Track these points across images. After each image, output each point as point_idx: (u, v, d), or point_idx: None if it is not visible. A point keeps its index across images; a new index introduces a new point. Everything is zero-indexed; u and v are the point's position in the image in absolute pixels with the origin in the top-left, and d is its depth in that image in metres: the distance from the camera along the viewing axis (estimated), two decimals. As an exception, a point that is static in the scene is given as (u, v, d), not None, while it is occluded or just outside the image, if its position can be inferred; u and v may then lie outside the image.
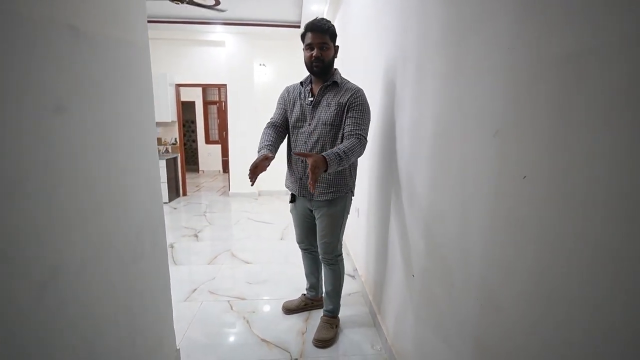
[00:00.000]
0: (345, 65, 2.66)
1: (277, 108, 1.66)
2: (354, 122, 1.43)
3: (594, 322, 0.50)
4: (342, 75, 1.57)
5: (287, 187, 1.70)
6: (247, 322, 1.83)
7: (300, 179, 1.58)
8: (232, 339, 1.71)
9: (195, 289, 2.18)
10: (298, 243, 1.85)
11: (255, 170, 1.35)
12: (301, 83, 1.62)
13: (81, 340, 0.82)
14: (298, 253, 1.93)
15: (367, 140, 1.44)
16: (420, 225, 1.19)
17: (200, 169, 7.83)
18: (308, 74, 1.58)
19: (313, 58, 1.47)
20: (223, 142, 7.47)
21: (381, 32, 1.72)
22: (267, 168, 1.38)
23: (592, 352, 0.50)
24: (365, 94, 1.50)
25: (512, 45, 0.68)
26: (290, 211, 1.78)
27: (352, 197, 1.65)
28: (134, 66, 1.09)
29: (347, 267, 2.51)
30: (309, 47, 1.48)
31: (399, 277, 1.43)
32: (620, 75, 0.46)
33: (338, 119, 1.47)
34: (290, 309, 1.91)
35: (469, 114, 0.85)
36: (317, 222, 1.65)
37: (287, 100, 1.62)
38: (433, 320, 1.09)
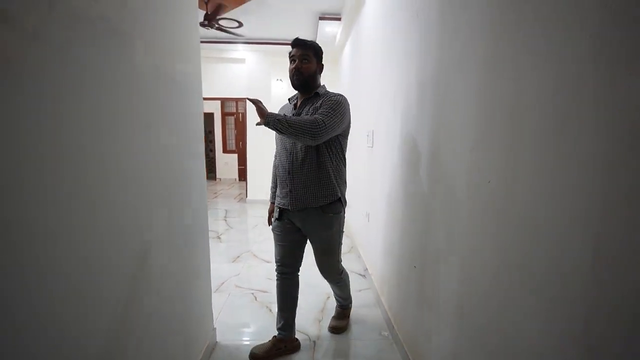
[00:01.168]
0: (357, 85, 2.94)
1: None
2: (318, 111, 1.42)
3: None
4: (329, 89, 1.59)
5: (277, 204, 1.61)
6: (270, 310, 2.08)
7: (290, 191, 1.53)
8: (257, 323, 1.97)
9: (223, 283, 2.46)
10: (279, 266, 1.65)
11: (270, 217, 1.74)
12: (289, 99, 1.67)
13: (158, 307, 1.10)
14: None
15: (323, 125, 1.34)
16: (418, 227, 1.43)
17: (217, 176, 8.21)
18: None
19: (294, 70, 1.50)
20: (239, 151, 7.84)
21: (392, 55, 1.99)
22: None
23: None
24: (348, 101, 1.51)
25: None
26: (273, 229, 1.65)
27: (344, 215, 1.63)
28: (191, 90, 1.39)
29: (358, 267, 2.75)
30: (291, 60, 1.52)
31: (402, 269, 1.67)
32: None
33: None
34: (259, 357, 1.58)
35: (455, 133, 1.11)
36: (313, 247, 1.62)
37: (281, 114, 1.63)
38: (427, 302, 1.32)
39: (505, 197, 0.83)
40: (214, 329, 1.73)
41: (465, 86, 1.03)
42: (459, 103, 1.07)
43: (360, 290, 2.36)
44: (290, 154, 1.52)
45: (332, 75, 5.31)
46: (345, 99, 1.51)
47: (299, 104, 1.58)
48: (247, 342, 1.76)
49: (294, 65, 1.51)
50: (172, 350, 1.22)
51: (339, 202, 1.58)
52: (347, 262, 2.83)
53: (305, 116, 1.42)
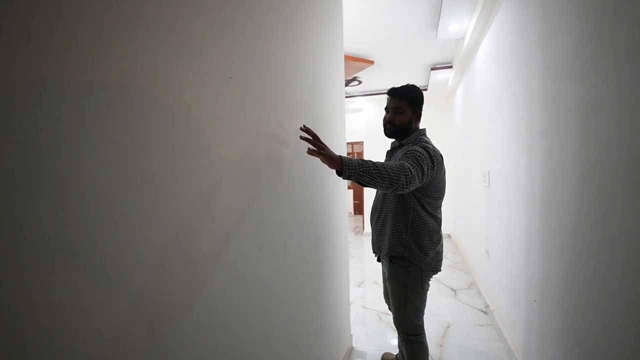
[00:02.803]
0: (470, 125, 3.15)
1: None
2: (402, 158, 1.33)
3: None
4: (427, 137, 1.51)
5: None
6: (393, 329, 2.41)
7: (372, 233, 1.64)
8: (382, 338, 2.32)
9: (352, 302, 2.92)
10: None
11: None
12: (391, 143, 1.64)
13: (317, 310, 1.62)
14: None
15: (409, 171, 1.19)
16: (537, 264, 1.60)
17: (334, 210, 9.05)
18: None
19: (386, 121, 1.51)
20: (355, 187, 8.54)
21: (502, 106, 2.23)
22: None
23: None
24: (438, 154, 1.40)
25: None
26: None
27: (422, 275, 1.46)
28: (338, 133, 1.98)
29: (479, 304, 2.81)
30: (385, 110, 1.53)
31: (521, 303, 1.79)
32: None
33: None
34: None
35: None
36: None
37: None
38: (546, 333, 1.45)
39: (602, 238, 1.04)
40: (351, 335, 2.17)
41: (567, 146, 1.27)
42: (564, 160, 1.30)
43: (482, 326, 2.44)
44: (377, 197, 1.60)
45: (445, 115, 5.52)
46: (430, 148, 1.36)
47: (390, 149, 1.62)
48: (376, 351, 2.13)
49: (386, 117, 1.51)
50: (326, 344, 1.70)
51: (407, 260, 1.46)
52: (467, 298, 2.93)
53: (390, 163, 1.24)
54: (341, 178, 1.13)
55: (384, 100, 5.68)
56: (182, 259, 0.62)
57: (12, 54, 0.37)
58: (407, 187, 1.18)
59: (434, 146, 1.44)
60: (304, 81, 1.32)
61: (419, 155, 1.29)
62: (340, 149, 1.96)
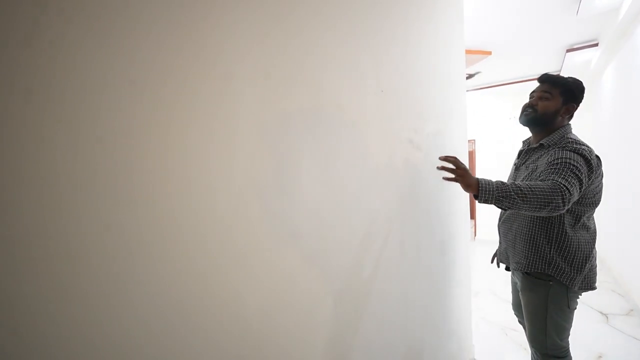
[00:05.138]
0: (628, 118, 2.56)
1: None
2: (545, 169, 1.11)
3: None
4: (573, 134, 1.25)
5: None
6: (519, 345, 2.16)
7: (500, 242, 1.44)
8: (507, 355, 2.10)
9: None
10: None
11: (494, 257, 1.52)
12: (523, 141, 1.43)
13: (444, 315, 1.58)
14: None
15: (566, 190, 0.99)
16: None
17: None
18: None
19: (526, 105, 1.29)
20: (463, 189, 7.86)
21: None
22: None
23: None
24: (594, 155, 1.15)
25: None
26: None
27: (569, 291, 1.23)
28: (460, 133, 1.89)
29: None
30: (530, 95, 1.31)
31: None
32: None
33: None
34: None
35: None
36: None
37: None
38: None
39: None
40: (472, 346, 2.05)
41: None
42: None
43: (649, 361, 1.97)
44: (503, 219, 1.38)
45: (585, 104, 4.59)
46: (590, 152, 1.14)
47: (524, 150, 1.36)
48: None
49: (529, 101, 1.30)
50: (450, 348, 1.65)
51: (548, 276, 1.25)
52: (630, 328, 2.40)
53: (542, 183, 1.03)
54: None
55: (502, 92, 5.09)
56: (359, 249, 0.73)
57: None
58: (564, 208, 1.00)
59: (588, 146, 1.18)
60: (431, 83, 1.33)
61: (573, 164, 1.06)
62: (461, 151, 1.88)
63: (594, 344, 2.19)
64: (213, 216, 0.45)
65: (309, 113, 0.59)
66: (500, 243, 1.45)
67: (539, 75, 1.29)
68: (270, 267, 0.52)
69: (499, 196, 0.99)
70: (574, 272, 1.21)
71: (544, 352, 1.32)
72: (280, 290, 0.55)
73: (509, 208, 1.02)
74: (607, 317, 2.57)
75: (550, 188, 0.98)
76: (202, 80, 0.44)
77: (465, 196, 1.97)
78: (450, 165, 1.05)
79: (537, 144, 1.28)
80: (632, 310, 2.67)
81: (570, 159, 1.08)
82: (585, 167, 1.10)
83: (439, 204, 1.40)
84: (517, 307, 1.55)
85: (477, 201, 1.02)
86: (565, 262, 1.21)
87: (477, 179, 1.02)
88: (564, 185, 1.00)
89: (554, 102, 1.23)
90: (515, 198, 0.98)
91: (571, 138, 1.21)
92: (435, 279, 1.33)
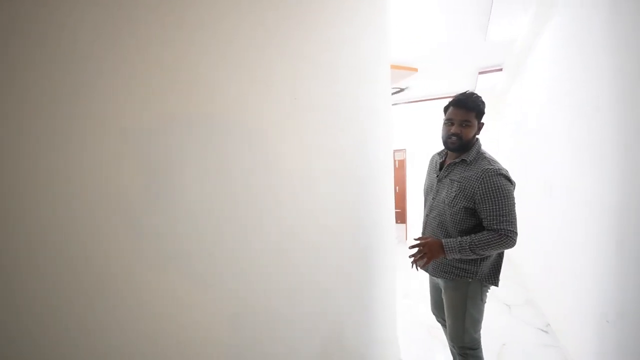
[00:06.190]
0: (525, 129, 2.96)
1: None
2: (489, 215, 1.29)
3: None
4: (483, 149, 1.43)
5: None
6: (440, 342, 2.32)
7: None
8: (431, 352, 2.24)
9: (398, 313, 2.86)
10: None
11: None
12: (438, 153, 1.59)
13: (371, 318, 1.62)
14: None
15: (514, 233, 1.26)
16: (609, 280, 1.46)
17: (375, 218, 8.94)
18: None
19: (451, 133, 1.39)
20: (396, 196, 8.39)
21: (566, 112, 2.08)
22: None
23: None
24: (505, 170, 1.33)
25: None
26: None
27: (485, 287, 1.42)
28: (385, 144, 1.98)
29: (538, 323, 2.60)
30: (449, 122, 1.41)
31: (592, 324, 1.64)
32: None
33: (458, 201, 1.36)
34: None
35: None
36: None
37: (429, 168, 1.67)
38: (634, 358, 1.32)
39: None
40: (399, 347, 2.14)
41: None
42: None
43: (546, 346, 2.27)
44: (427, 223, 1.55)
45: (491, 122, 5.25)
46: (498, 172, 1.31)
47: (446, 163, 1.50)
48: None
49: (452, 130, 1.39)
50: (375, 352, 1.70)
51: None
52: (524, 316, 2.74)
53: (490, 233, 1.28)
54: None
55: (429, 105, 5.54)
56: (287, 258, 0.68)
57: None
58: (515, 243, 1.29)
59: (499, 165, 1.37)
60: (355, 94, 1.36)
61: (507, 197, 1.29)
62: (384, 160, 1.97)
63: (498, 332, 2.45)
64: (70, 230, 0.36)
65: (199, 115, 0.53)
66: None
67: (454, 99, 1.41)
68: (141, 294, 0.45)
69: (460, 250, 1.30)
70: (488, 268, 1.40)
71: (462, 346, 1.46)
72: (164, 318, 0.48)
73: (470, 257, 1.31)
74: (510, 308, 2.91)
75: (497, 239, 1.27)
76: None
77: (391, 203, 2.06)
78: (415, 250, 1.36)
79: (459, 160, 1.43)
80: (528, 300, 3.08)
81: (503, 190, 1.29)
82: (512, 189, 1.32)
83: (361, 213, 1.43)
84: (437, 307, 1.67)
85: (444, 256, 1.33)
86: (481, 262, 1.39)
87: (441, 242, 1.34)
88: (510, 230, 1.27)
89: (473, 127, 1.40)
90: (472, 250, 1.28)
91: (483, 153, 1.42)
92: (355, 286, 1.35)
